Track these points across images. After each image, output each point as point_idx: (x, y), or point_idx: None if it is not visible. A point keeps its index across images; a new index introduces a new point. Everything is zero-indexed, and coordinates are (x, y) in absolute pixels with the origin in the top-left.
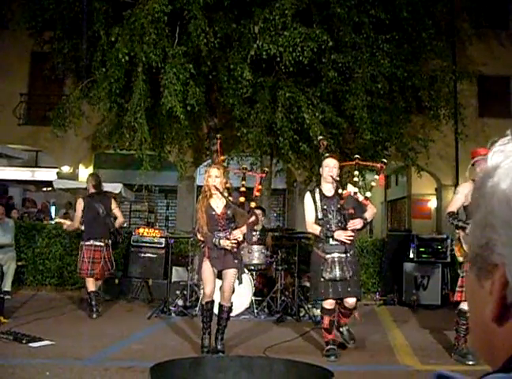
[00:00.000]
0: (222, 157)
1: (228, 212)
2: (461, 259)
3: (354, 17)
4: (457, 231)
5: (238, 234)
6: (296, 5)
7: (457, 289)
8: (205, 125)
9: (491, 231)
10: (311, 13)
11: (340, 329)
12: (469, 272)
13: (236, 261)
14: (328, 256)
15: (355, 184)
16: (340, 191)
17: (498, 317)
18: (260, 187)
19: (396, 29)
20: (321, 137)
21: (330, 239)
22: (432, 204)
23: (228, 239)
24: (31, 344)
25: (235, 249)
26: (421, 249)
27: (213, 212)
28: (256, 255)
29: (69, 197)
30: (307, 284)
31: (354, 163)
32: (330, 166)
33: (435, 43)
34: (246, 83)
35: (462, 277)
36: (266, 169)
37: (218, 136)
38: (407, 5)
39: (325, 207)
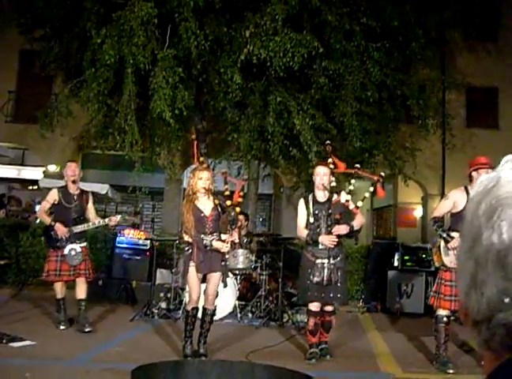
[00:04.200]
0: (202, 158)
1: (216, 215)
2: (437, 264)
3: (345, 25)
4: (439, 240)
5: (234, 235)
6: (287, 10)
7: (432, 294)
8: (194, 128)
9: None
10: (302, 19)
11: (320, 346)
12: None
13: (223, 264)
14: (318, 260)
15: (349, 192)
16: (332, 197)
17: None
18: (241, 194)
19: (386, 38)
20: (328, 142)
21: (319, 244)
22: (418, 212)
23: (222, 241)
24: (11, 344)
25: (227, 252)
26: (406, 258)
27: (202, 214)
28: (241, 259)
29: None
30: (291, 290)
31: (353, 171)
32: (321, 175)
33: (425, 52)
34: (236, 87)
35: (437, 284)
36: (245, 177)
37: (193, 137)
38: (398, 15)
39: (316, 212)
